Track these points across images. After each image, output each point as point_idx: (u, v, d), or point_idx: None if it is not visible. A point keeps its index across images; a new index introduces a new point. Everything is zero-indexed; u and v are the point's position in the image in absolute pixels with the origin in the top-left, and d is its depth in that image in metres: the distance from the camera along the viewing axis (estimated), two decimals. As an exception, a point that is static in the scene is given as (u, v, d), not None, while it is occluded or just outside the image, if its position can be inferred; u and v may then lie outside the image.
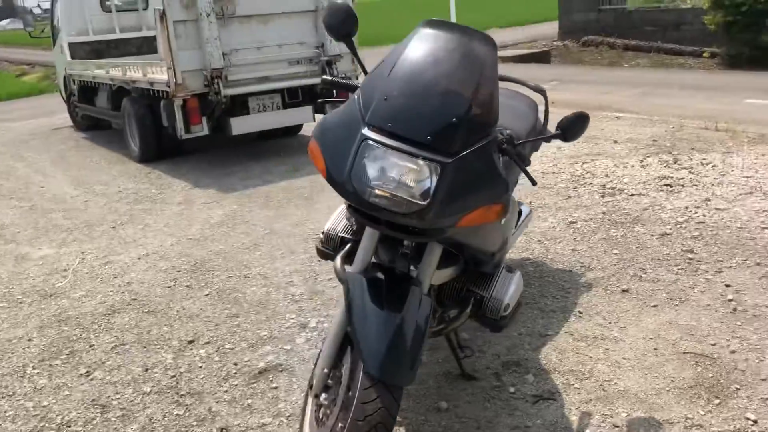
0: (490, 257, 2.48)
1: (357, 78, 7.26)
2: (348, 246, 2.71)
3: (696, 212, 4.45)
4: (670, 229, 4.22)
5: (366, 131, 1.99)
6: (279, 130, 7.91)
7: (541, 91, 3.07)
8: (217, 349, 3.26)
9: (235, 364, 3.12)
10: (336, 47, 6.78)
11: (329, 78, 2.44)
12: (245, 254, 4.47)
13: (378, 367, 2.00)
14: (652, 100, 9.12)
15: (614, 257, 3.89)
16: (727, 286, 3.43)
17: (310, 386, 2.28)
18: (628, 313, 3.27)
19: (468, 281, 2.52)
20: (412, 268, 2.29)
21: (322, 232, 2.83)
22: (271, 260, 4.32)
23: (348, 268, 2.64)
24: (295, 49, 6.74)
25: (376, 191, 1.95)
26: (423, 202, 1.93)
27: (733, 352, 2.87)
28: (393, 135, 1.97)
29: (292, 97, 6.96)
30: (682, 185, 5.07)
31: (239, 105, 6.70)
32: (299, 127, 8.32)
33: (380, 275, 2.23)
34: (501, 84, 3.36)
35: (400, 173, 1.95)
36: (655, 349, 2.95)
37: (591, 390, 2.71)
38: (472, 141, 1.97)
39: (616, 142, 6.69)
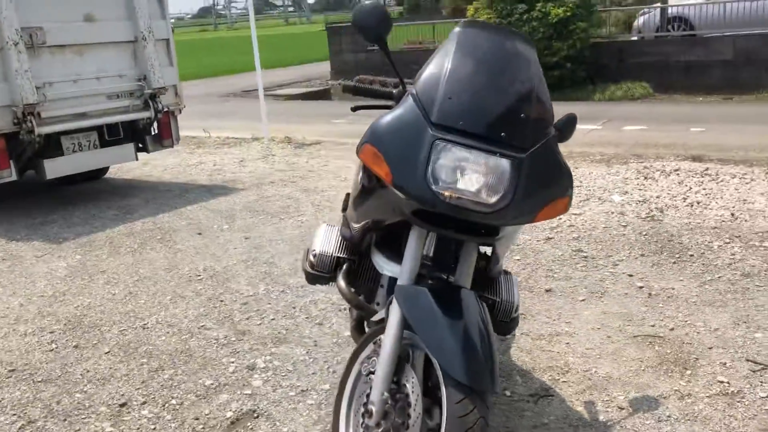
0: (498, 260, 2.50)
1: (180, 111, 6.86)
2: (345, 265, 2.55)
3: (560, 218, 4.88)
4: (550, 233, 4.58)
5: (435, 132, 1.91)
6: (80, 174, 7.08)
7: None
8: (163, 407, 2.82)
9: (197, 419, 2.73)
10: (161, 80, 6.32)
11: (351, 84, 2.29)
12: (125, 305, 3.93)
13: (467, 376, 1.90)
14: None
15: (518, 262, 4.12)
16: (630, 276, 3.82)
17: (369, 414, 2.07)
18: (564, 309, 3.48)
19: (477, 287, 2.50)
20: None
21: (313, 255, 2.62)
22: (162, 308, 3.85)
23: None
24: (114, 82, 6.14)
25: (456, 193, 1.87)
26: (506, 200, 1.89)
27: (672, 329, 3.20)
28: (465, 133, 1.91)
29: (112, 134, 6.32)
30: (530, 197, 5.53)
31: (52, 145, 5.91)
32: (105, 169, 7.57)
33: (432, 283, 2.13)
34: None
35: (481, 171, 1.89)
36: (608, 336, 3.17)
37: (578, 381, 2.83)
38: (539, 136, 1.99)
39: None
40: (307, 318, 3.58)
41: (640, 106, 11.54)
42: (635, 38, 14.27)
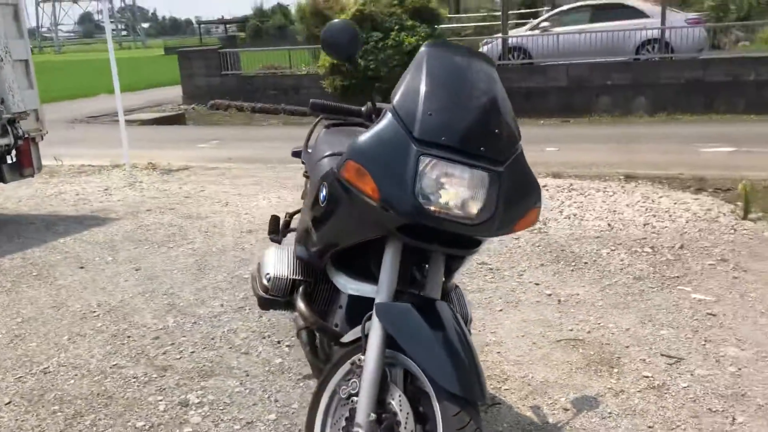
0: (454, 275, 2.55)
1: (42, 138, 6.35)
2: (302, 287, 2.49)
3: (457, 235, 5.06)
4: (452, 250, 4.72)
5: (419, 147, 1.93)
6: None
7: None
8: (96, 456, 2.58)
9: (138, 464, 2.52)
10: (21, 104, 5.81)
11: (320, 102, 2.25)
12: (14, 350, 3.54)
13: (461, 388, 1.93)
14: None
15: (429, 279, 4.21)
16: (537, 284, 4.03)
17: None
18: (486, 319, 3.60)
19: None
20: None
21: (267, 279, 2.52)
22: (61, 349, 3.52)
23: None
24: (-34, 106, 5.56)
25: (444, 207, 1.91)
26: (490, 212, 1.95)
27: (589, 332, 3.42)
28: (447, 148, 1.94)
29: (-36, 165, 5.71)
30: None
31: None
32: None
33: (409, 298, 2.14)
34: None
35: (466, 185, 1.93)
36: (534, 343, 3.33)
37: (519, 387, 2.94)
38: (512, 150, 2.07)
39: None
40: (230, 348, 3.42)
41: (492, 128, 12.19)
42: (480, 66, 15.12)
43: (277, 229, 3.34)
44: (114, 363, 3.33)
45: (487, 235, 2.02)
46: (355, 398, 2.09)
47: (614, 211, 5.53)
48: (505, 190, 1.99)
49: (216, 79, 16.04)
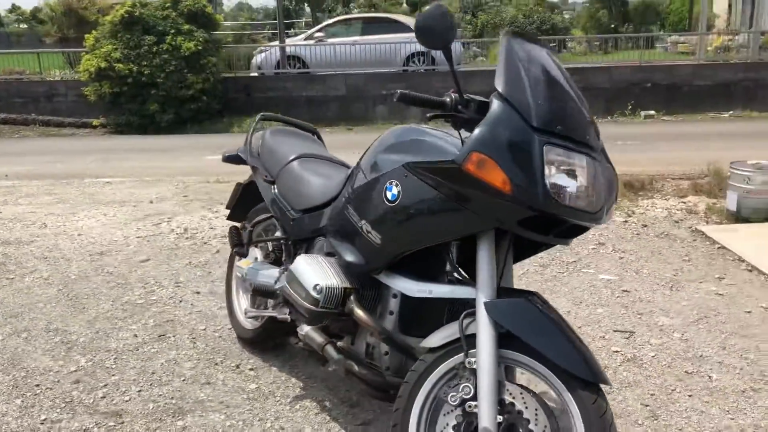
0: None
1: None
2: (354, 295, 2.27)
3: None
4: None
5: (540, 136, 1.87)
6: None
7: (311, 130, 3.28)
8: None
9: None
10: None
11: (407, 93, 2.04)
12: None
13: (593, 374, 1.93)
14: (115, 164, 8.95)
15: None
16: (459, 280, 4.09)
17: None
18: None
19: None
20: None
21: (317, 291, 2.23)
22: (-53, 412, 2.76)
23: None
24: None
25: (571, 198, 1.88)
26: (602, 200, 1.96)
27: (538, 318, 3.56)
28: (561, 136, 1.92)
29: None
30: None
31: None
32: None
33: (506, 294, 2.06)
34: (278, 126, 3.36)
35: (586, 174, 1.92)
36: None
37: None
38: (600, 138, 2.10)
39: (151, 202, 6.46)
40: (184, 380, 2.96)
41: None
42: (256, 74, 14.93)
43: (240, 242, 2.98)
44: (43, 417, 2.69)
45: (599, 223, 2.02)
46: (471, 403, 1.97)
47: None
48: (607, 176, 2.02)
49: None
